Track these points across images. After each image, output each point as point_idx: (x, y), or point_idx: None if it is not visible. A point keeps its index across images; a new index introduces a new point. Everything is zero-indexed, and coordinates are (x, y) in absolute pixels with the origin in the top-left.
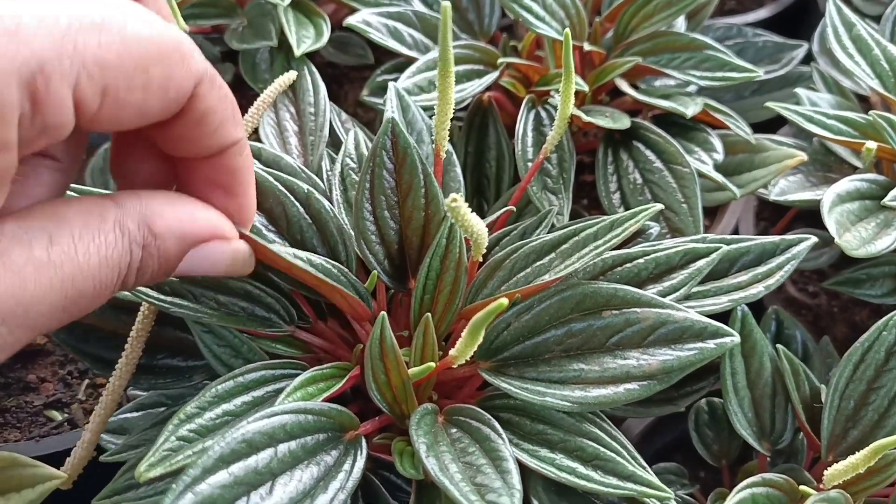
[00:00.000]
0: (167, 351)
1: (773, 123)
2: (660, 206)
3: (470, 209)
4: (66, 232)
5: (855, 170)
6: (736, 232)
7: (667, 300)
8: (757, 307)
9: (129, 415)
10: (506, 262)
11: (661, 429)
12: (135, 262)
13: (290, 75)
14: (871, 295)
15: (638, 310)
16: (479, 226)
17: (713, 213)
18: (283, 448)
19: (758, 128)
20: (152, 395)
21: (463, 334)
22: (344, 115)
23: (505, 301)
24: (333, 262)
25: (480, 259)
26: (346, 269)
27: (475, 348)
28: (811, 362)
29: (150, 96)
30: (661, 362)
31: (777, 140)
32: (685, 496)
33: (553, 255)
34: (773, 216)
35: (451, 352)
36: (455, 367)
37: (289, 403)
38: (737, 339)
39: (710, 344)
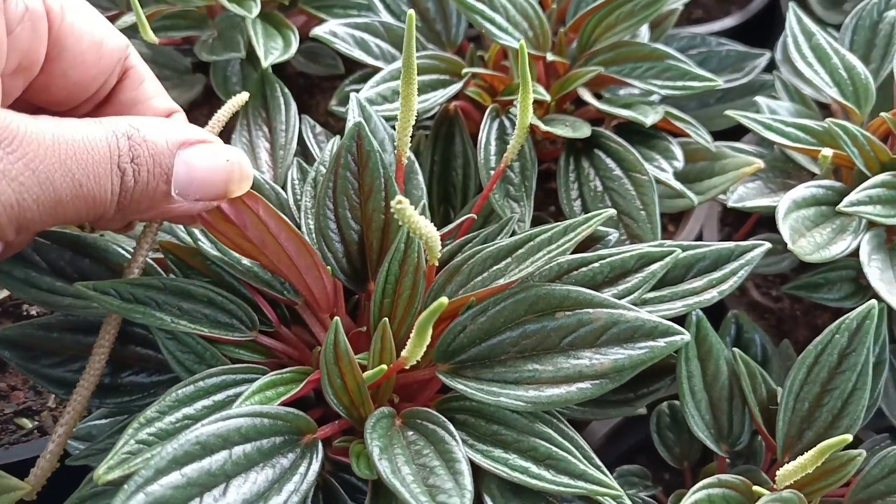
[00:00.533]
0: (131, 369)
1: (738, 131)
2: (613, 212)
3: (419, 212)
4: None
5: (813, 176)
6: (700, 237)
7: (619, 300)
8: (720, 310)
9: (97, 422)
10: (463, 266)
11: (625, 432)
12: (125, 154)
13: (242, 97)
14: (829, 299)
15: (590, 310)
16: (427, 228)
17: (678, 220)
18: (237, 450)
19: (723, 135)
20: (115, 410)
21: (411, 336)
22: (318, 129)
23: (445, 301)
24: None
25: (437, 264)
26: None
27: (423, 349)
28: (770, 365)
29: None
30: (613, 361)
31: (738, 147)
32: (646, 497)
33: (509, 259)
34: (736, 222)
35: (402, 353)
36: (408, 368)
37: (245, 407)
38: (687, 337)
39: (661, 342)
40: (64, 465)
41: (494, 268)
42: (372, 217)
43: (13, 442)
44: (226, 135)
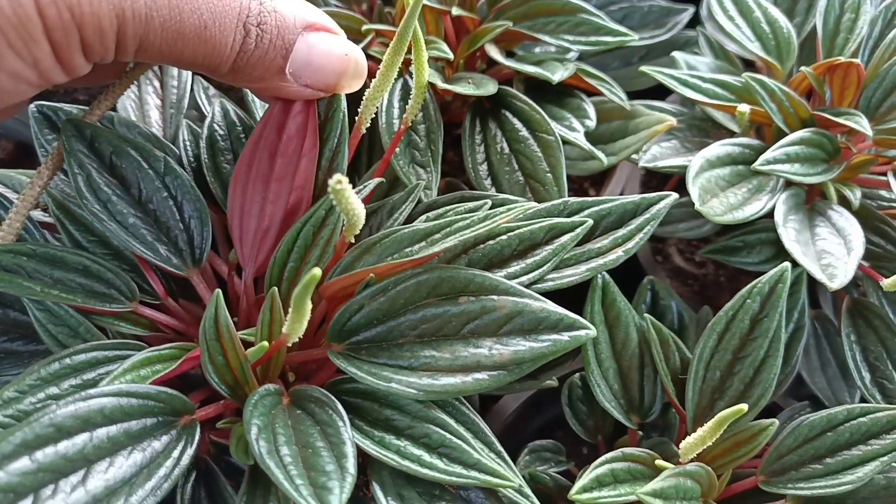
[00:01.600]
0: (6, 335)
1: (664, 90)
2: (533, 204)
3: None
4: None
5: (733, 135)
6: None
7: (529, 278)
8: (638, 276)
9: None
10: (376, 245)
11: (542, 405)
12: (253, 16)
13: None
14: (748, 262)
15: (495, 297)
16: (359, 209)
17: (600, 183)
18: (100, 433)
19: (647, 94)
20: None
21: (289, 310)
22: (212, 90)
23: (318, 272)
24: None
25: (352, 241)
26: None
27: (303, 325)
28: (686, 333)
29: None
30: (514, 353)
31: (655, 106)
32: (555, 474)
33: (423, 243)
34: (659, 185)
35: (283, 329)
36: (296, 345)
37: (110, 387)
38: (592, 332)
39: (565, 336)
40: None
41: (407, 249)
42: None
43: None
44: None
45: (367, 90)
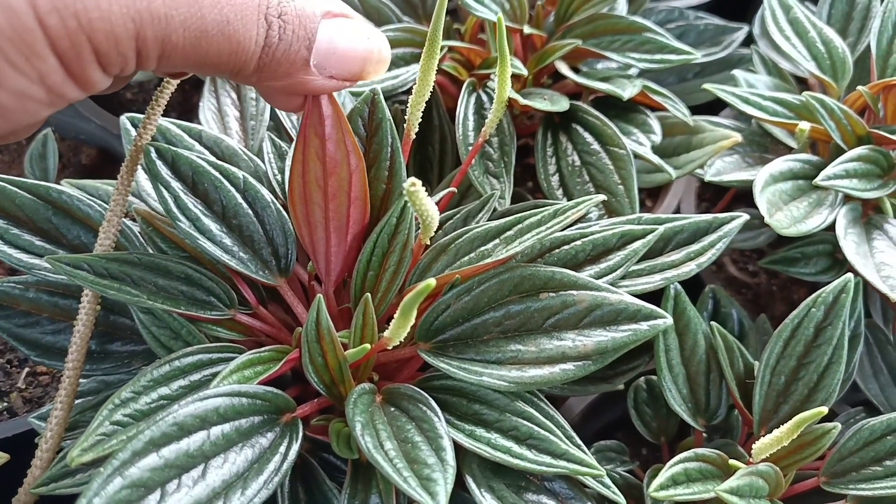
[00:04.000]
0: (106, 336)
1: (716, 105)
2: (601, 198)
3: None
4: None
5: (791, 150)
6: (677, 212)
7: (602, 282)
8: (697, 286)
9: None
10: (451, 246)
11: (603, 407)
12: (274, 7)
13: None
14: (806, 273)
15: (575, 292)
16: (433, 210)
17: (656, 195)
18: (216, 431)
19: (701, 109)
20: (91, 382)
21: (395, 315)
22: None
23: (433, 282)
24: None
25: (427, 242)
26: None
27: (407, 329)
28: (746, 340)
29: None
30: (597, 343)
31: (715, 122)
32: (624, 472)
33: (497, 241)
34: (714, 196)
35: (386, 333)
36: (391, 348)
37: (223, 387)
38: (669, 320)
39: (644, 326)
40: (32, 444)
41: (482, 248)
42: (373, 185)
43: None
44: (192, 104)
45: (411, 97)
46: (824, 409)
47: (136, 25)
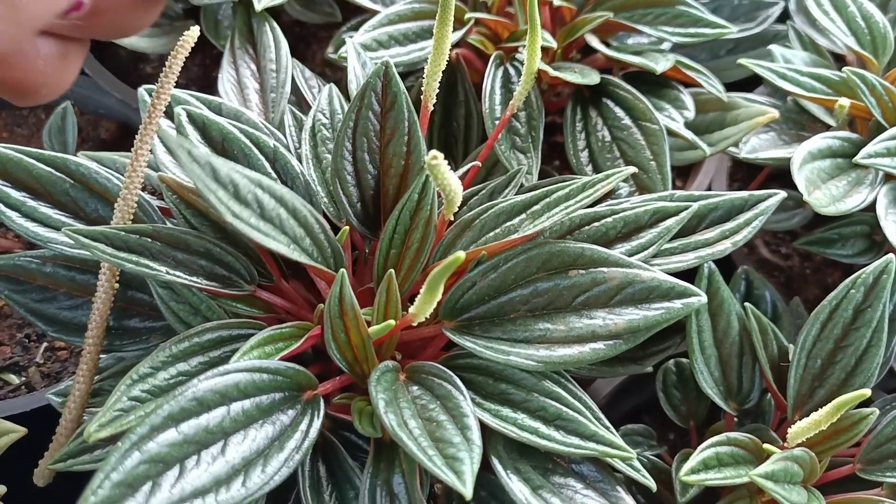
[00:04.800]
0: (124, 312)
1: (749, 83)
2: (633, 169)
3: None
4: None
5: (828, 128)
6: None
7: (634, 259)
8: (728, 268)
9: None
10: (475, 221)
11: (630, 390)
12: None
13: (193, 32)
14: (843, 255)
15: (605, 269)
16: (456, 185)
17: (686, 174)
18: (236, 407)
19: (734, 87)
20: (109, 358)
21: (421, 291)
22: (308, 73)
23: (462, 255)
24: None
25: (451, 218)
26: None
27: (433, 305)
28: (780, 322)
29: None
30: (628, 322)
31: (750, 98)
32: (652, 457)
33: (523, 216)
34: (746, 177)
35: (411, 309)
36: (416, 325)
37: (243, 362)
38: (703, 298)
39: (677, 304)
40: (49, 419)
41: (507, 223)
42: (391, 162)
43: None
44: (213, 77)
45: (426, 66)
46: (867, 392)
47: None
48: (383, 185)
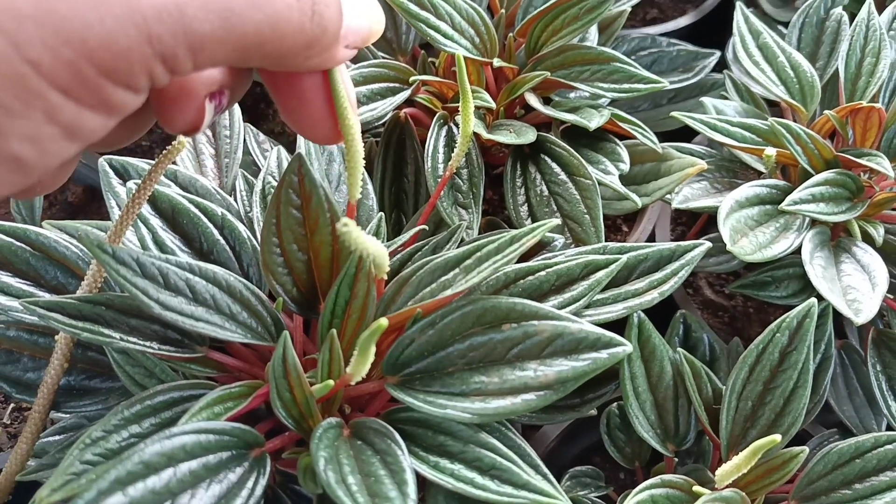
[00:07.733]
0: (85, 373)
1: (690, 130)
2: (556, 221)
3: (375, 225)
4: None
5: (760, 175)
6: (652, 236)
7: (563, 312)
8: (672, 309)
9: (51, 438)
10: (412, 277)
11: (580, 432)
12: None
13: (181, 142)
14: (777, 297)
15: (536, 322)
16: (375, 247)
17: (633, 219)
18: (183, 468)
19: (675, 134)
20: (73, 419)
21: (354, 354)
22: (262, 136)
23: (385, 322)
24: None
25: (385, 278)
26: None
27: (367, 366)
28: (718, 364)
29: None
30: (557, 373)
31: (685, 148)
32: (596, 498)
33: (457, 270)
34: (689, 220)
35: (347, 370)
36: (355, 383)
37: (189, 424)
38: (629, 348)
39: (604, 354)
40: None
41: (442, 278)
42: (319, 249)
43: None
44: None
45: (345, 161)
46: (777, 438)
47: (141, 31)
48: (315, 269)
